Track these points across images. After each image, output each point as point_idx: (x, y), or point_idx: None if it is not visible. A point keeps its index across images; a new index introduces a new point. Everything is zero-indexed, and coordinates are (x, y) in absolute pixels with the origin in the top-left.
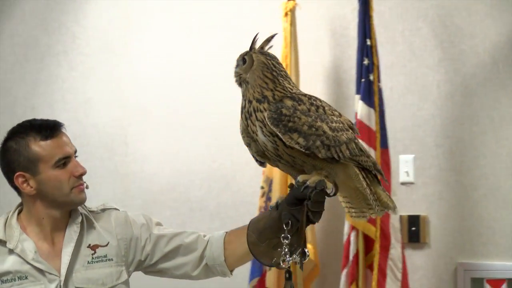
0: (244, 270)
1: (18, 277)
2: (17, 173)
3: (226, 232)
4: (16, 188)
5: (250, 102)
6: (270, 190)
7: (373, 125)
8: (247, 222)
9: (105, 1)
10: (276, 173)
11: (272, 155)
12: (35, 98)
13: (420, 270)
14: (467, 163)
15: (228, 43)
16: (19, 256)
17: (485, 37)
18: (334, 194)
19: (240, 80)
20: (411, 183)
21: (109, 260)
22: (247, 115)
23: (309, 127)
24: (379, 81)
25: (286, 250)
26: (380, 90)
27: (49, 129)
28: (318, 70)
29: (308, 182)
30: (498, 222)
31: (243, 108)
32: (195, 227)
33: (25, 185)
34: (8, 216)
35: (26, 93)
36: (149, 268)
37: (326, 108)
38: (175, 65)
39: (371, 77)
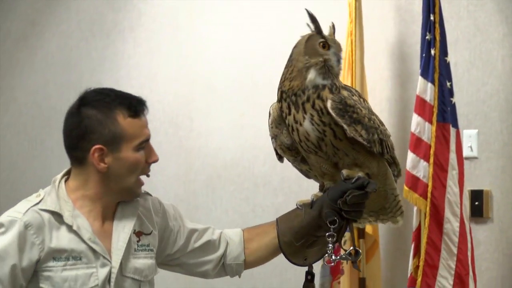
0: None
1: (72, 257)
2: (97, 146)
3: (243, 230)
4: (76, 158)
5: (304, 90)
6: None
7: (431, 99)
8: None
9: None
10: None
11: (310, 146)
12: (101, 74)
13: (482, 244)
14: None
15: (291, 19)
16: (76, 233)
17: None
18: (375, 189)
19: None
20: (475, 157)
21: (150, 250)
22: (293, 102)
23: (369, 120)
24: (444, 55)
25: (331, 247)
26: (443, 65)
27: (138, 106)
28: (383, 46)
29: (359, 175)
30: None
31: (288, 96)
32: (259, 202)
33: (99, 160)
34: (57, 187)
35: (92, 70)
36: (170, 261)
37: (365, 100)
38: (240, 41)
39: (432, 52)
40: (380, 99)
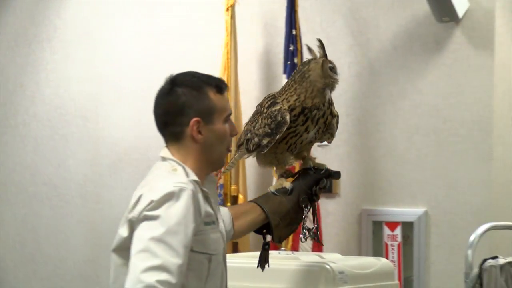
0: None
1: (212, 221)
2: (195, 119)
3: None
4: (173, 134)
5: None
6: None
7: None
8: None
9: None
10: None
11: (299, 147)
12: (24, 77)
13: (331, 215)
14: (371, 129)
15: (183, 31)
16: (208, 200)
17: (387, 28)
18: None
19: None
20: (326, 145)
21: None
22: (311, 115)
23: None
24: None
25: (307, 227)
26: None
27: (222, 84)
28: (253, 55)
29: (326, 166)
30: (394, 176)
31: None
32: None
33: (197, 131)
34: (176, 161)
35: (16, 73)
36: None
37: None
38: (141, 47)
39: (295, 60)
40: (250, 98)
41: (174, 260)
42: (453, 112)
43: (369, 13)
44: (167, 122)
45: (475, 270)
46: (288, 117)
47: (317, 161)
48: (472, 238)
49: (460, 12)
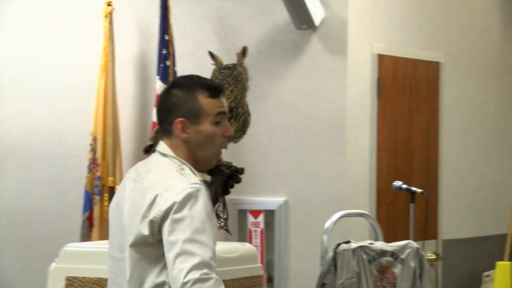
0: None
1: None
2: (180, 119)
3: None
4: (165, 130)
5: (241, 106)
6: (96, 146)
7: None
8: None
9: None
10: (99, 132)
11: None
12: None
13: None
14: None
15: (64, 35)
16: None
17: (251, 34)
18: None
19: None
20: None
21: None
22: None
23: None
24: (174, 65)
25: (224, 216)
26: (175, 72)
27: (215, 89)
28: (129, 58)
29: (233, 164)
30: (258, 169)
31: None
32: (36, 173)
33: (181, 130)
34: (179, 159)
35: None
36: None
37: None
38: (23, 53)
39: (168, 63)
40: (127, 97)
41: (209, 254)
42: (310, 111)
43: (235, 21)
44: (160, 120)
45: (330, 254)
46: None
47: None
48: (327, 224)
49: (317, 20)
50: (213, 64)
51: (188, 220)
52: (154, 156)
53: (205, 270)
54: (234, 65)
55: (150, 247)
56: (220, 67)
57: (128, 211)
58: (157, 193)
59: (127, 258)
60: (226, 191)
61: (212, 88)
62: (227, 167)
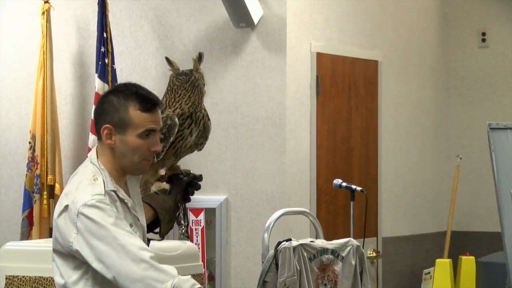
0: None
1: (130, 224)
2: (106, 125)
3: None
4: (97, 132)
5: (200, 111)
6: (35, 144)
7: None
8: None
9: None
10: (38, 130)
11: (183, 152)
12: None
13: None
14: None
15: (1, 33)
16: (126, 204)
17: (189, 32)
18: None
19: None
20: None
21: None
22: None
23: None
24: (113, 63)
25: (184, 223)
26: (113, 70)
27: (149, 104)
28: (67, 55)
29: (192, 172)
30: (198, 167)
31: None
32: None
33: (107, 136)
34: (99, 166)
35: None
36: None
37: None
38: None
39: (106, 61)
40: (65, 95)
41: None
42: (250, 109)
43: (173, 19)
44: (95, 121)
45: (271, 252)
46: (177, 120)
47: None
48: (268, 222)
49: (256, 18)
50: (169, 70)
51: (93, 226)
52: (84, 162)
53: None
54: (191, 71)
55: (67, 255)
56: (177, 73)
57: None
58: (67, 204)
59: (54, 260)
60: (186, 198)
61: (145, 101)
62: (185, 174)
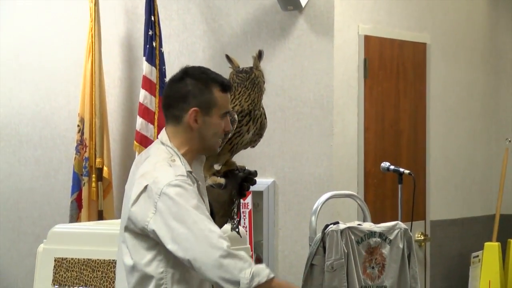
0: None
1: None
2: (195, 108)
3: None
4: (174, 116)
5: (258, 109)
6: (83, 127)
7: (154, 78)
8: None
9: None
10: (86, 113)
11: (239, 148)
12: None
13: None
14: None
15: (50, 17)
16: (198, 187)
17: (237, 15)
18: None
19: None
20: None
21: None
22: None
23: None
24: (160, 46)
25: (236, 218)
26: (161, 53)
27: (227, 85)
28: (115, 39)
29: (247, 168)
30: (246, 150)
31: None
32: (23, 154)
33: (194, 119)
34: (174, 149)
35: None
36: None
37: None
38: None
39: (154, 44)
40: (113, 78)
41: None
42: (297, 92)
43: (221, 2)
44: (170, 105)
45: (319, 235)
46: (236, 116)
47: None
48: (315, 205)
49: (303, 1)
50: (230, 67)
51: (174, 207)
52: (154, 144)
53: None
54: (251, 68)
55: (141, 235)
56: (237, 71)
57: (126, 193)
58: (147, 184)
59: (124, 241)
60: (241, 194)
61: (224, 84)
62: (240, 170)
